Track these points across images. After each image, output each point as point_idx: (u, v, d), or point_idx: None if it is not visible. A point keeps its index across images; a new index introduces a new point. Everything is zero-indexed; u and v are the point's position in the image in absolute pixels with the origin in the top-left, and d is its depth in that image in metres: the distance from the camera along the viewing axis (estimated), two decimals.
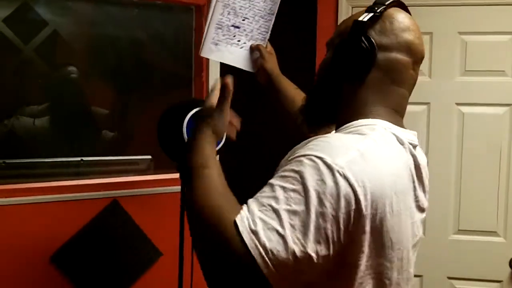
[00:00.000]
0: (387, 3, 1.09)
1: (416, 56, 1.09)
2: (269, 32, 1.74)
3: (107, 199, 2.00)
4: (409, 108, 2.63)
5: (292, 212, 0.87)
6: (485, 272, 2.71)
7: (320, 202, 0.87)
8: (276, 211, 0.87)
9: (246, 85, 1.60)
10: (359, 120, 1.06)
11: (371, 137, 0.98)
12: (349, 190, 0.88)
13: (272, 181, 0.92)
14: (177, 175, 1.69)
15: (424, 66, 2.70)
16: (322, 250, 0.87)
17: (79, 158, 2.07)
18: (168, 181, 2.10)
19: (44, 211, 1.89)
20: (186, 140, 1.55)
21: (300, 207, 0.87)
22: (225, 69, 2.14)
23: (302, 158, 0.92)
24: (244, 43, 1.69)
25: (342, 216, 0.87)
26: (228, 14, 1.64)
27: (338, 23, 1.23)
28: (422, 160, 1.11)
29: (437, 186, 2.74)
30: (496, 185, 2.69)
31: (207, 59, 2.15)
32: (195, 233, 0.97)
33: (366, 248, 0.93)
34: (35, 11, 1.99)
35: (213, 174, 1.01)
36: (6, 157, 1.95)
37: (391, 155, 1.00)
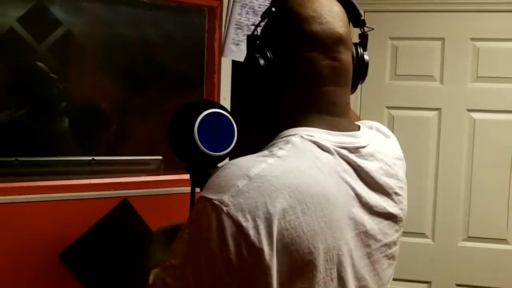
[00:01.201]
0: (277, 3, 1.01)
1: (324, 43, 0.98)
2: None
3: (118, 199, 2.00)
4: (420, 113, 2.69)
5: (183, 264, 0.89)
6: (494, 279, 2.70)
7: (208, 247, 0.85)
8: (171, 267, 0.91)
9: None
10: (283, 132, 0.99)
11: (279, 153, 0.91)
12: (234, 228, 0.83)
13: (183, 228, 0.93)
14: (187, 176, 1.70)
15: (435, 72, 2.72)
16: None
17: (90, 157, 2.07)
18: (178, 182, 2.10)
19: (55, 209, 1.90)
20: (197, 142, 1.56)
21: (193, 254, 0.88)
22: (237, 70, 2.16)
23: (197, 201, 0.91)
24: None
25: (233, 257, 0.84)
26: (247, 13, 1.63)
27: None
28: (373, 162, 1.01)
29: (447, 192, 2.73)
30: (506, 191, 2.69)
31: (219, 61, 2.16)
32: None
33: (276, 279, 0.85)
34: (49, 11, 2.00)
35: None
36: (18, 154, 1.96)
37: (302, 169, 0.90)
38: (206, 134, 1.56)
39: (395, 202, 1.05)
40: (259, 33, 1.04)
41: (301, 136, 0.94)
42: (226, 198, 0.85)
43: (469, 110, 2.69)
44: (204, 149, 1.56)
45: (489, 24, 2.65)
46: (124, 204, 2.01)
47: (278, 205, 0.84)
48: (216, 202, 0.85)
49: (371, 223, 0.98)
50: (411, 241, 2.75)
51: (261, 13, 1.64)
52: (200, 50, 2.21)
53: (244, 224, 0.83)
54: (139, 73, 2.26)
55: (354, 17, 1.07)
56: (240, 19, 1.62)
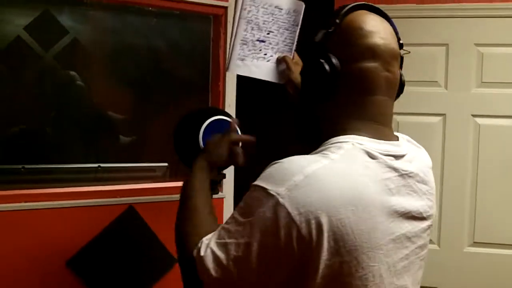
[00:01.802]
0: (343, 12, 1.08)
1: (384, 57, 1.05)
2: (295, 43, 1.75)
3: (124, 205, 2.02)
4: (425, 119, 2.69)
5: (237, 245, 0.95)
6: (500, 285, 2.69)
7: (262, 234, 0.92)
8: (225, 245, 0.98)
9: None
10: (333, 138, 1.04)
11: (331, 156, 0.97)
12: (288, 219, 0.89)
13: (234, 211, 1.01)
14: None
15: (440, 78, 2.72)
16: (265, 281, 0.94)
17: (96, 165, 2.09)
18: None
19: (61, 216, 1.91)
20: (202, 149, 1.57)
21: (244, 240, 0.94)
22: (242, 78, 2.17)
23: (251, 189, 0.98)
24: (271, 56, 1.70)
25: (283, 247, 0.90)
26: (252, 29, 1.65)
27: None
28: (417, 168, 1.09)
29: (452, 197, 2.73)
30: None
31: (224, 68, 2.17)
32: (176, 247, 1.23)
33: (325, 272, 0.92)
34: (56, 19, 2.02)
35: (193, 205, 1.26)
36: (25, 162, 1.97)
37: (350, 173, 0.96)
38: None
39: (428, 207, 1.11)
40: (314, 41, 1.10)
41: (353, 144, 1.00)
42: (282, 190, 0.91)
43: (474, 116, 2.69)
44: None
45: (493, 29, 2.65)
46: (130, 211, 2.02)
47: (330, 204, 0.91)
48: (273, 193, 0.91)
49: (409, 227, 1.04)
50: None
51: (265, 29, 1.67)
52: (206, 58, 2.23)
53: (297, 217, 0.89)
54: (145, 80, 2.28)
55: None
56: (245, 34, 1.64)
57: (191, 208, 1.25)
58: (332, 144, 1.03)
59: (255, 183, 0.97)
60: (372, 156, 1.00)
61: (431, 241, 2.75)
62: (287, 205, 0.89)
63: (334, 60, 1.04)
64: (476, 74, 2.68)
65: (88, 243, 1.94)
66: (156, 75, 2.30)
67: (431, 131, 2.74)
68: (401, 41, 1.14)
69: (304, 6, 1.72)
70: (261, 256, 0.92)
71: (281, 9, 1.68)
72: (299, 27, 1.73)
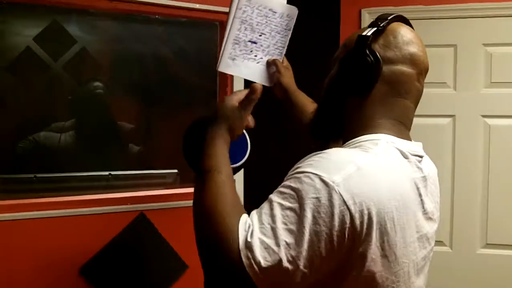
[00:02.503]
0: (389, 18, 1.12)
1: (419, 68, 1.10)
2: (286, 47, 1.76)
3: (135, 212, 2.03)
4: (434, 120, 2.68)
5: (288, 231, 0.90)
6: None
7: (315, 220, 0.89)
8: (273, 229, 0.90)
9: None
10: (364, 136, 1.07)
11: (373, 151, 1.00)
12: (343, 208, 0.89)
13: (271, 197, 0.96)
14: None
15: (448, 79, 2.71)
16: (316, 267, 0.91)
17: (107, 172, 2.10)
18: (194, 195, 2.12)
19: (73, 224, 1.92)
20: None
21: (295, 226, 0.90)
22: (249, 82, 2.18)
23: (300, 175, 0.94)
24: (261, 58, 1.70)
25: (336, 234, 0.89)
26: (245, 30, 1.66)
27: None
28: (430, 170, 1.13)
29: (463, 199, 2.72)
30: None
31: (232, 75, 2.18)
32: (200, 234, 1.04)
33: (368, 264, 0.93)
34: (64, 29, 2.04)
35: (224, 180, 1.07)
36: (37, 171, 1.99)
37: (393, 169, 1.00)
38: None
39: (437, 210, 1.16)
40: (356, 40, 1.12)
41: (386, 142, 1.04)
42: (337, 178, 0.91)
43: (483, 116, 2.68)
44: None
45: (501, 29, 2.64)
46: (141, 218, 2.03)
47: (380, 196, 0.93)
48: (328, 180, 0.90)
49: (427, 227, 1.08)
50: None
51: (258, 30, 1.67)
52: (212, 64, 2.24)
53: (352, 206, 0.89)
54: (153, 88, 2.30)
55: None
56: (238, 34, 1.64)
57: (224, 184, 1.06)
58: (365, 141, 1.05)
59: (303, 169, 0.94)
60: (404, 155, 1.04)
61: (443, 243, 2.74)
62: (343, 193, 0.89)
63: (378, 56, 1.07)
64: (484, 74, 2.67)
65: (100, 251, 1.95)
66: (164, 82, 2.32)
67: (441, 133, 2.73)
68: None
69: (297, 11, 1.72)
70: (313, 243, 0.89)
71: (275, 12, 1.68)
72: (291, 32, 1.73)
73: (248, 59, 1.68)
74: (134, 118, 2.27)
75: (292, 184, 0.93)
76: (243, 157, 1.65)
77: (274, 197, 0.95)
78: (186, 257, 2.12)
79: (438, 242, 2.74)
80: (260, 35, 1.68)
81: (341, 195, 0.89)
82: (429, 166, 1.14)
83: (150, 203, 2.06)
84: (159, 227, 2.07)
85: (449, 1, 2.65)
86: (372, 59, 1.06)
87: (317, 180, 0.91)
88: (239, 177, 2.24)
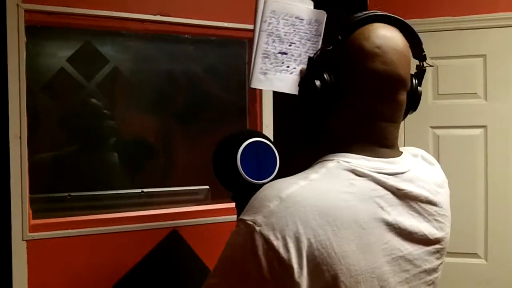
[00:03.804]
0: (349, 25, 0.98)
1: (384, 85, 0.97)
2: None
3: (167, 229, 2.04)
4: (466, 132, 2.65)
5: (223, 281, 0.91)
6: None
7: (244, 266, 0.87)
8: (214, 285, 0.93)
9: None
10: (324, 157, 0.99)
11: (311, 177, 0.92)
12: (265, 246, 0.85)
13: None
14: (233, 204, 1.73)
15: (479, 89, 2.68)
16: None
17: (139, 190, 2.13)
18: (225, 211, 2.13)
19: (107, 242, 1.95)
20: (240, 171, 1.59)
21: (228, 274, 0.91)
22: (278, 98, 2.19)
23: (236, 224, 0.92)
24: (294, 68, 1.68)
25: (266, 273, 0.85)
26: (273, 42, 1.63)
27: None
28: (414, 187, 0.99)
29: (498, 210, 2.67)
30: None
31: (260, 90, 2.19)
32: None
33: None
34: (97, 50, 2.08)
35: None
36: (71, 190, 2.03)
37: (332, 192, 0.90)
38: (248, 163, 1.60)
39: (436, 229, 1.03)
40: (320, 55, 1.03)
41: (338, 162, 0.95)
42: (258, 218, 0.87)
43: None
44: (248, 178, 1.59)
45: None
46: (174, 234, 2.05)
47: (308, 225, 0.86)
48: (250, 222, 0.87)
49: (409, 249, 0.97)
50: (464, 262, 2.68)
51: (287, 40, 1.65)
52: (242, 81, 2.26)
53: (275, 242, 0.85)
54: (184, 105, 2.32)
55: (416, 49, 1.06)
56: (267, 47, 1.62)
57: None
58: (318, 163, 0.98)
59: (239, 216, 0.92)
60: (358, 174, 0.94)
61: (478, 256, 2.69)
62: (264, 232, 0.85)
63: (327, 81, 0.97)
64: None
65: (134, 267, 1.97)
66: (195, 99, 2.34)
67: (473, 144, 2.69)
68: (424, 53, 1.07)
69: (325, 15, 1.68)
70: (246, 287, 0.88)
71: (302, 19, 1.65)
72: (321, 37, 1.70)
73: (280, 71, 1.65)
74: (165, 135, 2.30)
75: (231, 234, 0.92)
76: (273, 172, 1.67)
77: (224, 248, 0.94)
78: None
79: (473, 255, 2.70)
80: (290, 45, 1.66)
81: (262, 234, 0.85)
82: (420, 183, 1.02)
83: (182, 220, 2.08)
84: (191, 243, 2.08)
85: (477, 12, 2.63)
86: (319, 85, 0.97)
87: (241, 225, 0.89)
88: None
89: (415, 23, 2.20)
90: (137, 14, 2.00)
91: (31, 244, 1.84)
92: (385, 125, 0.99)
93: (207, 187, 2.24)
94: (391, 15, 1.01)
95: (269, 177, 1.65)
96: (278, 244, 0.84)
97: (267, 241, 0.85)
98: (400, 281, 0.96)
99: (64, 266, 1.89)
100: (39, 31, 1.94)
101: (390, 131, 1.00)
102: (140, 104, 2.23)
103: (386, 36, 0.97)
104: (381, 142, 0.99)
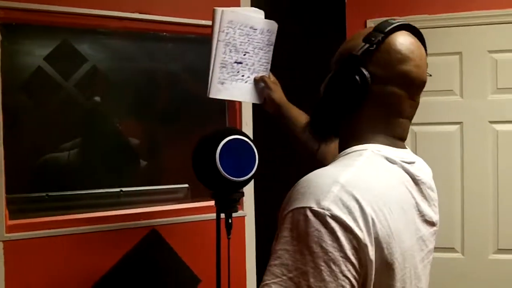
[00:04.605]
0: (387, 30, 1.08)
1: (413, 86, 1.08)
2: (270, 63, 1.76)
3: (147, 228, 2.04)
4: (442, 128, 2.69)
5: (305, 273, 0.89)
6: None
7: (324, 251, 0.88)
8: (291, 279, 0.89)
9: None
10: (353, 147, 1.08)
11: (356, 164, 1.00)
12: (342, 227, 0.88)
13: (275, 246, 0.94)
14: (212, 203, 1.74)
15: (455, 86, 2.72)
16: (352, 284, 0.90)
17: (118, 189, 2.12)
18: (205, 209, 2.14)
19: (86, 242, 1.94)
20: (219, 168, 1.60)
21: (310, 265, 0.89)
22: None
23: (291, 214, 0.93)
24: (248, 77, 1.71)
25: (350, 252, 0.88)
26: (230, 52, 1.65)
27: None
28: (423, 174, 1.11)
29: (474, 205, 2.71)
30: None
31: None
32: None
33: (374, 274, 0.92)
34: (75, 48, 2.06)
35: None
36: (49, 190, 2.01)
37: (379, 177, 1.00)
38: (227, 161, 1.60)
39: (435, 213, 1.15)
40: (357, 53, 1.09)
41: (372, 151, 1.04)
42: (325, 203, 0.90)
43: (491, 122, 2.68)
44: (227, 175, 1.60)
45: (506, 36, 2.64)
46: (153, 233, 2.05)
47: (370, 206, 0.92)
48: (318, 209, 0.90)
49: (424, 230, 1.09)
50: (441, 256, 2.72)
51: (242, 50, 1.68)
52: None
53: (350, 223, 0.89)
54: (163, 103, 2.32)
55: None
56: (224, 57, 1.64)
57: None
58: (351, 153, 1.06)
59: (293, 207, 0.93)
60: (391, 161, 1.05)
61: (455, 250, 2.74)
62: (337, 214, 0.89)
63: (367, 76, 1.05)
64: (491, 80, 2.68)
65: (113, 267, 1.97)
66: (174, 98, 2.34)
67: (449, 140, 2.74)
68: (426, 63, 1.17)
69: (277, 25, 1.73)
70: (334, 272, 0.88)
71: (256, 29, 1.69)
72: (273, 46, 1.74)
73: (236, 80, 1.69)
74: (144, 134, 2.29)
75: (289, 226, 0.93)
76: (252, 170, 1.67)
77: (277, 245, 0.93)
78: (199, 271, 2.13)
79: (450, 249, 2.74)
80: (244, 55, 1.69)
81: (335, 217, 0.89)
82: (423, 171, 1.14)
83: (162, 219, 2.08)
84: (171, 242, 2.08)
85: (454, 10, 2.67)
86: (359, 80, 1.05)
87: (308, 213, 0.90)
88: (250, 187, 2.26)
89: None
90: (116, 12, 1.99)
91: (8, 245, 1.82)
92: (405, 121, 1.11)
93: (186, 185, 2.24)
94: (414, 26, 1.14)
95: (248, 174, 1.66)
96: (352, 224, 0.89)
97: (342, 223, 0.89)
98: (420, 259, 1.08)
99: (43, 266, 1.87)
100: (15, 29, 1.92)
101: (407, 127, 1.13)
102: (119, 103, 2.22)
103: (416, 44, 1.10)
104: (399, 136, 1.11)
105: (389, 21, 1.11)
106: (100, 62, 2.11)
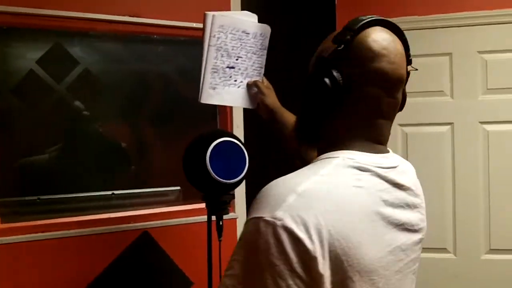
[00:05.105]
0: (356, 27, 1.03)
1: (389, 83, 1.04)
2: (264, 67, 1.75)
3: (139, 231, 2.04)
4: (433, 129, 2.70)
5: (252, 285, 0.89)
6: None
7: (271, 264, 0.87)
8: None
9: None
10: (324, 154, 1.04)
11: (320, 173, 0.96)
12: (291, 239, 0.86)
13: (231, 255, 0.94)
14: (203, 205, 1.74)
15: (445, 87, 2.73)
16: None
17: (110, 192, 2.12)
18: (196, 211, 2.14)
19: (77, 245, 1.94)
20: (209, 171, 1.60)
21: (257, 278, 0.89)
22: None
23: (247, 224, 0.93)
24: (241, 81, 1.70)
25: (297, 265, 0.87)
26: (222, 56, 1.64)
27: None
28: (406, 179, 1.07)
29: (465, 205, 2.73)
30: None
31: None
32: None
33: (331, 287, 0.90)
34: (67, 51, 2.07)
35: None
36: (40, 193, 2.01)
37: (344, 187, 0.95)
38: (218, 163, 1.61)
39: (420, 220, 1.11)
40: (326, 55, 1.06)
41: (343, 159, 1.00)
42: (279, 213, 0.88)
43: (481, 123, 2.70)
44: (217, 177, 1.61)
45: (495, 36, 2.66)
46: (145, 236, 2.05)
47: (327, 217, 0.89)
48: (270, 219, 0.88)
49: (403, 239, 1.04)
50: (433, 257, 2.74)
51: (234, 54, 1.66)
52: None
53: (300, 235, 0.87)
54: (155, 106, 2.32)
55: (406, 53, 1.10)
56: (216, 62, 1.63)
57: None
58: (322, 159, 1.02)
59: (250, 216, 0.93)
60: (362, 169, 0.99)
61: (447, 251, 2.75)
62: (288, 225, 0.87)
63: (338, 79, 1.02)
64: (481, 81, 2.70)
65: (105, 270, 1.97)
66: (166, 100, 2.34)
67: (440, 141, 2.75)
68: (410, 57, 1.12)
69: (270, 29, 1.72)
70: (278, 286, 0.87)
71: (248, 33, 1.68)
72: (266, 50, 1.73)
73: (228, 85, 1.68)
74: (135, 136, 2.29)
75: (242, 236, 0.93)
76: (242, 172, 1.68)
77: (233, 255, 0.94)
78: (191, 273, 2.13)
79: (442, 250, 2.75)
80: (237, 59, 1.68)
81: (285, 228, 0.87)
82: (407, 175, 1.10)
83: (154, 221, 2.08)
84: (163, 244, 2.09)
85: (443, 11, 2.69)
86: (329, 83, 1.02)
87: (261, 223, 0.89)
88: (241, 189, 2.26)
89: None
90: (106, 15, 1.99)
91: (1, 249, 1.82)
92: (383, 122, 1.07)
93: (178, 188, 2.24)
94: (389, 20, 1.08)
95: (238, 176, 1.67)
96: (303, 236, 0.87)
97: (292, 234, 0.87)
98: (397, 270, 1.02)
99: (36, 269, 1.87)
100: (5, 32, 1.92)
101: (386, 128, 1.08)
102: (111, 106, 2.22)
103: (390, 39, 1.05)
104: (378, 139, 1.07)
105: (359, 17, 1.06)
106: (92, 65, 2.11)
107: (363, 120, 1.05)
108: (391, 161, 1.06)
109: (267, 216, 0.89)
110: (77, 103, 2.10)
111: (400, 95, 1.08)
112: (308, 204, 0.89)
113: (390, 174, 1.03)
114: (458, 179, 2.74)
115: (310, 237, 0.87)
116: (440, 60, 2.73)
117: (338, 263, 0.90)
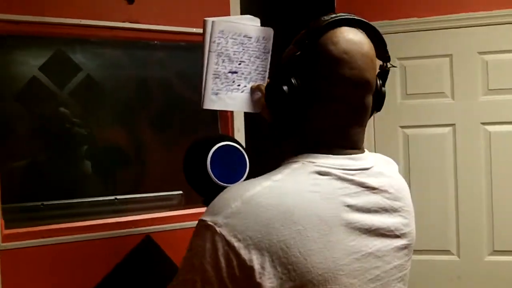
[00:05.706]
0: (317, 30, 0.99)
1: (352, 87, 0.98)
2: (267, 71, 1.76)
3: (141, 235, 2.05)
4: (435, 130, 2.71)
5: (184, 283, 0.92)
6: None
7: (203, 269, 0.88)
8: (176, 286, 0.94)
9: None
10: (289, 158, 1.01)
11: (273, 178, 0.94)
12: (226, 248, 0.86)
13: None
14: (205, 209, 1.74)
15: (446, 88, 2.74)
16: None
17: (113, 197, 2.13)
18: (198, 215, 2.12)
19: (81, 250, 1.94)
20: (210, 175, 1.61)
21: (189, 279, 0.91)
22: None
23: (196, 225, 0.94)
24: (245, 86, 1.69)
25: (226, 274, 0.86)
26: (223, 62, 1.64)
27: None
28: (381, 182, 1.02)
29: (468, 207, 2.73)
30: None
31: None
32: None
33: None
34: (69, 58, 2.08)
35: None
36: (44, 199, 2.02)
37: (298, 193, 0.91)
38: (218, 167, 1.62)
39: (402, 225, 1.05)
40: (286, 59, 1.04)
41: (302, 163, 0.97)
42: (219, 219, 0.88)
43: (483, 124, 2.70)
44: (218, 181, 1.61)
45: (495, 37, 2.66)
46: (148, 240, 2.06)
47: (270, 226, 0.87)
48: (210, 223, 0.88)
49: (378, 245, 0.99)
50: (437, 259, 2.73)
51: (236, 59, 1.66)
52: None
53: (236, 244, 0.86)
54: (156, 111, 2.33)
55: (381, 50, 1.08)
56: (217, 68, 1.63)
57: None
58: (283, 165, 1.00)
59: (200, 218, 0.93)
60: (322, 173, 0.95)
61: (450, 252, 2.74)
62: (225, 233, 0.86)
63: (295, 85, 0.98)
64: (482, 82, 2.70)
65: (107, 275, 1.97)
66: (167, 105, 2.36)
67: (441, 142, 2.75)
68: (387, 55, 1.09)
69: (272, 32, 1.71)
70: None
71: (250, 37, 1.67)
72: (269, 54, 1.72)
73: (231, 90, 1.67)
74: (138, 141, 2.31)
75: (193, 234, 0.94)
76: (242, 176, 1.69)
77: (187, 248, 0.96)
78: None
79: (446, 251, 2.75)
80: (239, 64, 1.67)
81: (222, 235, 0.86)
82: (384, 179, 1.04)
83: (156, 225, 2.08)
84: (165, 249, 2.09)
85: (442, 12, 2.69)
86: (287, 90, 0.98)
87: (202, 226, 0.90)
88: None
89: (382, 25, 2.22)
90: (106, 22, 2.00)
91: (4, 254, 1.83)
92: (351, 129, 1.02)
93: (180, 192, 2.25)
94: (357, 17, 1.03)
95: (239, 180, 1.67)
96: (239, 245, 0.86)
97: (228, 242, 0.86)
98: (371, 278, 0.97)
99: (39, 275, 1.88)
100: (7, 40, 1.94)
101: (355, 132, 1.03)
102: (113, 111, 2.23)
103: (353, 41, 0.99)
104: (345, 143, 1.01)
105: (322, 18, 1.01)
106: (95, 71, 2.13)
107: (331, 124, 1.00)
108: (361, 163, 1.01)
109: (209, 220, 0.89)
110: (79, 108, 2.11)
111: (369, 100, 1.03)
112: (251, 211, 0.88)
113: (358, 177, 0.98)
114: (461, 180, 2.73)
115: (247, 246, 0.86)
116: (440, 61, 2.73)
117: (284, 272, 0.87)
